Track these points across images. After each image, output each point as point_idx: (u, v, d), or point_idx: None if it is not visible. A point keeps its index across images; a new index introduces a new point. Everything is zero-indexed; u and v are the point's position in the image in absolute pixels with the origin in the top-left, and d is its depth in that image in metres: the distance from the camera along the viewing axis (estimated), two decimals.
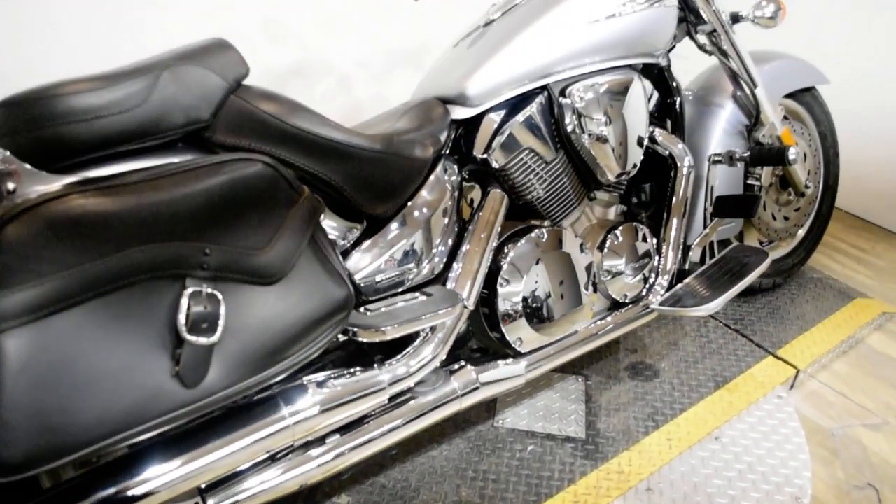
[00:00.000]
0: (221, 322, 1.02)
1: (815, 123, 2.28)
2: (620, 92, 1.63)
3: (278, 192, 1.11)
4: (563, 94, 1.58)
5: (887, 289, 2.48)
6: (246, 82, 1.20)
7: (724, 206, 1.78)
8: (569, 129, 1.58)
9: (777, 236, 2.21)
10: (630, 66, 1.69)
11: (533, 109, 1.56)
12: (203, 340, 1.01)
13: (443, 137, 1.49)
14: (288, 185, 1.12)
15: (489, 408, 1.85)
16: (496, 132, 1.54)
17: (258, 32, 2.87)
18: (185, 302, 0.99)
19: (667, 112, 1.87)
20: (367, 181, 1.33)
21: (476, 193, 1.59)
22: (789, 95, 2.19)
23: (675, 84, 1.85)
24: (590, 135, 1.59)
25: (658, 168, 1.85)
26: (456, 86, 1.54)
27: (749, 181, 2.03)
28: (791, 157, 1.73)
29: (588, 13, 1.57)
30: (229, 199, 1.05)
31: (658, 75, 1.86)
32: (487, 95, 1.53)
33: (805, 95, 2.24)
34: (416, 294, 1.40)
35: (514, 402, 1.87)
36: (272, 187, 1.10)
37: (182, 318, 0.99)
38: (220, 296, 1.02)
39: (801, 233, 2.34)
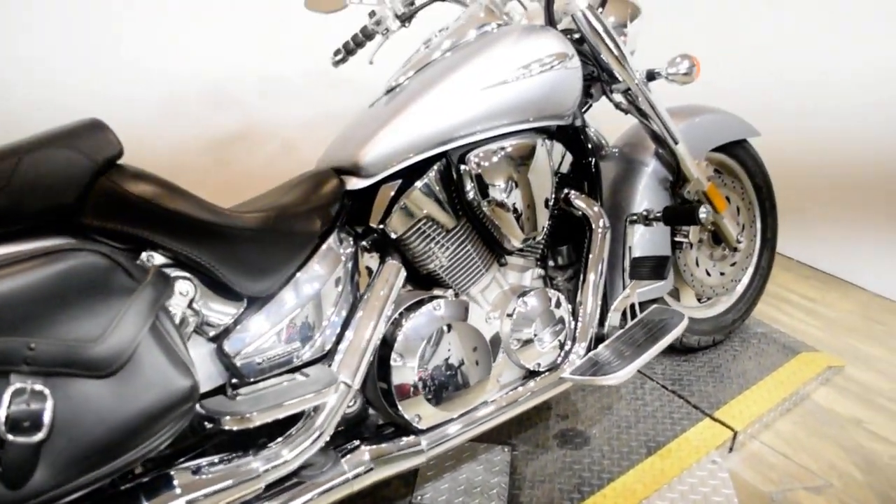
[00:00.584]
0: (47, 419, 0.97)
1: (748, 176, 2.26)
2: (523, 156, 1.60)
3: (114, 281, 1.06)
4: (462, 160, 1.55)
5: (837, 341, 2.43)
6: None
7: (639, 269, 1.74)
8: (469, 196, 1.55)
9: (713, 293, 2.16)
10: (536, 130, 1.66)
11: (431, 177, 1.53)
12: (25, 440, 0.95)
13: (333, 210, 1.46)
14: (126, 273, 1.08)
15: (408, 482, 1.78)
16: (392, 201, 1.51)
17: (199, 97, 2.87)
18: (5, 400, 0.94)
19: (584, 173, 1.83)
20: (241, 261, 1.29)
21: (375, 264, 1.55)
22: (721, 149, 2.17)
23: (590, 145, 1.83)
24: (490, 201, 1.55)
25: (575, 230, 1.81)
26: (351, 156, 1.51)
27: (677, 238, 1.99)
28: (702, 216, 1.69)
29: (482, 80, 1.55)
30: (58, 290, 1.01)
31: (574, 136, 1.83)
32: (382, 165, 1.50)
33: (736, 148, 2.21)
34: (295, 375, 1.35)
35: (436, 475, 1.80)
36: (107, 277, 1.06)
37: (1, 418, 0.94)
38: (47, 392, 0.97)
39: (740, 288, 2.29)
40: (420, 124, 1.51)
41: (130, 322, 1.04)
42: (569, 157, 1.83)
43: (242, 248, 1.29)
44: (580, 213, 1.75)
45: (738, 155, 2.22)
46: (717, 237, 2.10)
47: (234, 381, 1.36)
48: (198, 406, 1.23)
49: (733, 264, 2.17)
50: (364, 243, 1.55)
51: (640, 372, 2.15)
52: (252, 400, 1.27)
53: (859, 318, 2.55)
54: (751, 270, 2.30)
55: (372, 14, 1.96)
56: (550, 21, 1.75)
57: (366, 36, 1.99)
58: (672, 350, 2.19)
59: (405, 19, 1.96)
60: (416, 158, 1.52)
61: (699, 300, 2.23)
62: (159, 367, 1.06)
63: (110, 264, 1.06)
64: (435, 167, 1.54)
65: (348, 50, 2.02)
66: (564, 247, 1.82)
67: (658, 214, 1.77)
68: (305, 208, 1.42)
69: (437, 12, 1.97)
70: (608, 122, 2.02)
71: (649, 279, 1.73)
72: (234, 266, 1.29)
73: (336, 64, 2.04)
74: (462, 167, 1.54)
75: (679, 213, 1.71)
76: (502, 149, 1.57)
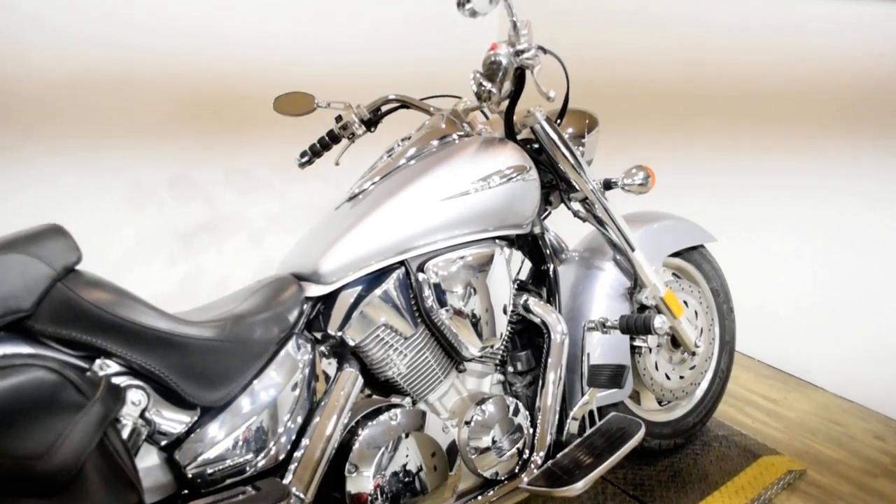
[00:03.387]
0: None
1: (705, 280, 2.30)
2: (481, 264, 1.63)
3: (62, 397, 1.06)
4: (420, 269, 1.57)
5: (797, 442, 2.44)
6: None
7: (597, 377, 1.75)
8: (427, 304, 1.57)
9: (673, 396, 2.17)
10: (494, 238, 1.70)
11: (389, 285, 1.55)
12: None
13: (292, 317, 1.47)
14: (75, 389, 1.07)
15: None
16: (351, 308, 1.52)
17: (164, 189, 2.90)
18: None
19: (542, 279, 1.87)
20: (194, 370, 1.29)
21: (333, 371, 1.55)
22: (678, 254, 2.22)
23: (548, 252, 1.87)
24: (447, 309, 1.57)
25: (535, 336, 1.83)
26: (311, 262, 1.53)
27: (636, 343, 2.01)
28: (657, 325, 1.72)
29: (442, 191, 1.59)
30: (4, 406, 1.00)
31: (533, 243, 1.87)
32: (342, 272, 1.52)
33: (693, 254, 2.27)
34: (246, 488, 1.33)
35: None
36: (54, 393, 1.05)
37: None
38: None
39: (700, 392, 2.30)
40: (380, 233, 1.55)
41: (77, 440, 1.03)
42: (528, 264, 1.86)
43: (197, 357, 1.29)
44: (539, 319, 1.77)
45: (695, 260, 2.27)
46: (676, 341, 2.13)
47: (184, 492, 1.33)
48: None
49: (692, 368, 2.20)
50: (322, 349, 1.55)
51: (602, 477, 2.13)
52: None
53: (819, 420, 2.57)
54: (710, 374, 2.32)
55: (339, 119, 2.01)
56: (510, 131, 1.82)
57: (332, 139, 2.04)
58: (633, 454, 2.16)
59: (370, 125, 2.02)
60: (375, 266, 1.54)
61: (660, 403, 2.24)
62: (105, 486, 1.05)
63: (59, 380, 1.06)
64: (394, 275, 1.56)
65: (314, 152, 2.06)
66: (524, 353, 1.83)
67: (615, 323, 1.80)
68: (263, 316, 1.42)
69: (403, 118, 2.04)
70: (572, 224, 2.06)
71: (607, 387, 1.74)
72: (188, 376, 1.28)
73: (302, 165, 2.09)
74: (420, 275, 1.57)
75: (635, 323, 1.74)
76: (461, 258, 1.60)
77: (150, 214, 2.89)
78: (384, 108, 2.02)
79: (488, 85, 1.53)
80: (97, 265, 2.77)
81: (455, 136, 1.77)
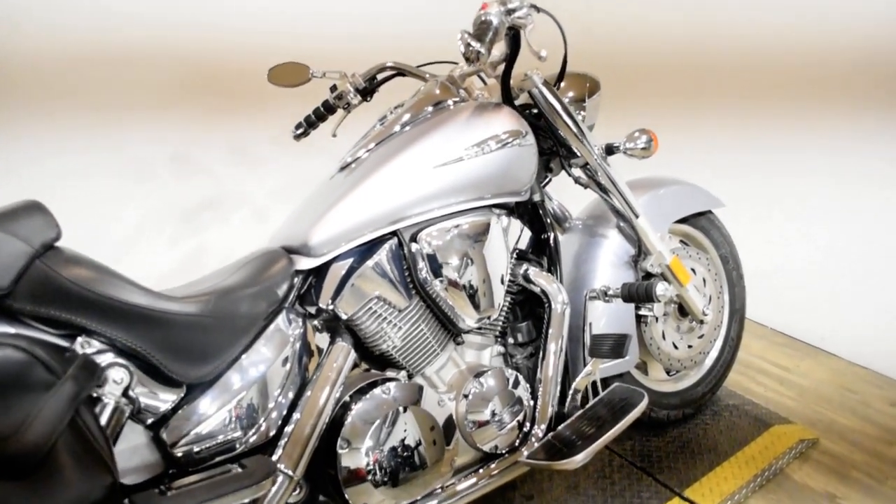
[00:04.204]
0: None
1: (714, 247, 2.24)
2: (477, 233, 1.58)
3: (30, 376, 1.03)
4: (413, 239, 1.53)
5: (810, 411, 2.38)
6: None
7: (598, 347, 1.70)
8: (421, 275, 1.52)
9: (681, 366, 2.12)
10: (491, 206, 1.65)
11: (381, 256, 1.50)
12: None
13: (281, 291, 1.43)
14: (45, 367, 1.04)
15: None
16: (343, 281, 1.48)
17: (165, 165, 2.87)
18: None
19: (543, 248, 1.82)
20: (178, 347, 1.26)
21: (326, 345, 1.51)
22: (685, 221, 2.16)
23: (548, 220, 1.81)
24: (442, 280, 1.53)
25: (536, 306, 1.78)
26: (301, 235, 1.49)
27: (641, 312, 1.96)
28: (659, 292, 1.67)
29: (435, 158, 1.54)
30: None
31: (533, 211, 1.82)
32: (332, 244, 1.48)
33: (701, 220, 2.21)
34: (232, 466, 1.30)
35: None
36: (22, 372, 1.02)
37: None
38: None
39: (709, 361, 2.25)
40: (371, 203, 1.50)
41: (47, 418, 1.00)
42: (528, 233, 1.80)
43: (179, 333, 1.26)
44: (539, 289, 1.72)
45: (702, 226, 2.21)
46: (684, 310, 2.08)
47: (171, 470, 1.31)
48: (126, 501, 1.18)
49: (701, 336, 2.14)
50: (315, 323, 1.52)
51: (609, 448, 2.10)
52: (184, 495, 1.21)
53: (833, 388, 2.51)
54: (719, 342, 2.26)
55: (333, 88, 1.96)
56: (507, 97, 1.76)
57: (327, 110, 1.99)
58: (641, 425, 2.14)
59: (366, 94, 1.97)
60: (366, 237, 1.50)
61: (668, 373, 2.20)
62: (77, 464, 1.02)
63: (27, 359, 1.03)
64: (386, 245, 1.52)
65: (309, 123, 2.02)
66: (524, 323, 1.79)
67: (617, 291, 1.75)
68: (251, 290, 1.39)
69: (400, 86, 1.98)
70: (576, 191, 2.01)
71: (609, 357, 1.69)
72: (171, 352, 1.25)
73: (297, 137, 2.05)
74: (414, 246, 1.52)
75: (637, 291, 1.69)
76: (456, 227, 1.56)
77: (151, 192, 2.86)
78: (380, 77, 1.97)
79: (476, 45, 1.46)
80: (99, 243, 2.75)
81: (450, 101, 1.71)
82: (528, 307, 1.80)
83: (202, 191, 2.97)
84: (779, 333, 2.87)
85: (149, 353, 1.23)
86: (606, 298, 1.78)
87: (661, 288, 1.66)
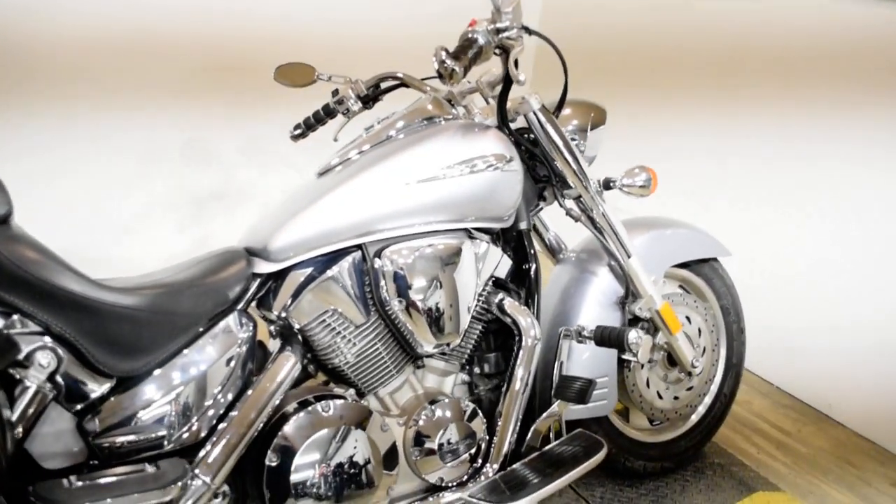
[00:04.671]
0: None
1: (715, 297, 2.14)
2: (447, 256, 1.53)
3: None
4: (378, 255, 1.48)
5: (803, 481, 2.26)
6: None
7: (564, 389, 1.63)
8: (381, 293, 1.47)
9: (664, 417, 2.03)
10: (468, 230, 1.59)
11: (342, 268, 1.46)
12: None
13: (232, 292, 1.40)
14: None
15: None
16: (299, 289, 1.44)
17: (178, 152, 2.88)
18: None
19: (523, 279, 1.75)
20: (107, 337, 1.23)
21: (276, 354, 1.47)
22: (687, 266, 2.07)
23: (531, 251, 1.74)
24: (402, 301, 1.48)
25: (509, 339, 1.72)
26: (264, 238, 1.46)
27: (625, 356, 1.88)
28: (631, 341, 1.59)
29: (409, 173, 1.49)
30: None
31: (518, 239, 1.76)
32: (293, 250, 1.44)
33: (704, 267, 2.11)
34: (146, 466, 1.26)
35: None
36: None
37: None
38: None
39: (696, 416, 2.15)
40: (339, 213, 1.46)
41: None
42: (508, 262, 1.73)
43: (110, 324, 1.23)
44: (511, 321, 1.66)
45: (705, 274, 2.12)
46: (673, 359, 1.98)
47: (93, 461, 1.28)
48: (30, 488, 1.16)
49: (689, 389, 2.05)
50: (271, 329, 1.48)
51: (577, 493, 2.01)
52: (88, 490, 1.19)
53: (833, 459, 2.38)
54: (710, 397, 2.16)
55: (335, 93, 1.94)
56: (503, 120, 1.70)
57: (327, 114, 1.96)
58: (615, 472, 2.05)
59: (367, 101, 1.93)
60: (329, 248, 1.46)
61: (650, 422, 2.10)
62: None
63: None
64: (349, 258, 1.47)
65: (308, 125, 1.99)
66: (494, 354, 1.73)
67: (591, 333, 1.68)
68: (198, 288, 1.36)
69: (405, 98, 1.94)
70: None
71: (573, 401, 1.62)
72: (99, 342, 1.23)
73: (294, 138, 2.02)
74: (377, 262, 1.47)
75: (609, 336, 1.61)
76: (425, 247, 1.51)
77: (162, 177, 2.88)
78: (383, 86, 1.93)
79: (451, 63, 1.39)
80: (106, 224, 2.77)
81: (442, 118, 1.67)
82: (501, 338, 1.74)
83: (213, 180, 2.98)
84: (785, 394, 2.73)
85: (77, 341, 1.20)
86: (580, 339, 1.71)
87: (633, 336, 1.58)
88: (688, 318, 2.01)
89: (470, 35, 1.46)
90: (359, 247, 1.48)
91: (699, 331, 2.05)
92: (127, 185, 2.84)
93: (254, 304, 1.49)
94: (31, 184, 2.60)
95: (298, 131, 2.01)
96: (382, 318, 1.51)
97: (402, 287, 1.48)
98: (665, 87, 3.04)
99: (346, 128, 1.98)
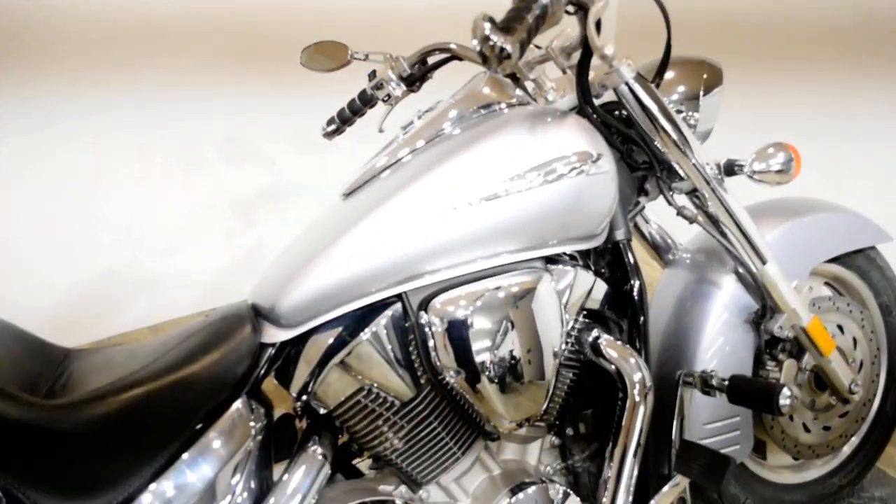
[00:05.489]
0: None
1: (872, 294, 1.67)
2: (519, 298, 1.12)
3: None
4: (424, 307, 1.08)
5: None
6: None
7: (687, 462, 1.21)
8: (432, 358, 1.08)
9: (812, 454, 1.59)
10: (543, 258, 1.18)
11: (378, 329, 1.07)
12: None
13: (234, 374, 1.04)
14: None
15: None
16: (322, 363, 1.07)
17: (218, 152, 2.56)
18: None
19: (624, 304, 1.32)
20: (59, 478, 0.89)
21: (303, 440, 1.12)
22: (835, 259, 1.60)
23: (632, 264, 1.31)
24: (462, 370, 1.08)
25: (610, 387, 1.30)
26: (273, 294, 1.09)
27: (760, 374, 1.45)
28: (783, 403, 1.15)
29: (458, 193, 1.08)
30: None
31: (614, 252, 1.33)
32: (310, 310, 1.06)
33: (857, 258, 1.64)
34: None
35: None
36: None
37: None
38: None
39: (850, 447, 1.69)
40: (368, 254, 1.07)
41: None
42: (603, 287, 1.31)
43: (64, 458, 0.89)
44: (612, 366, 1.24)
45: (858, 266, 1.64)
46: (822, 380, 1.53)
47: None
48: None
49: (843, 416, 1.59)
50: (294, 406, 1.12)
51: None
52: None
53: None
54: (867, 422, 1.70)
55: (372, 76, 1.54)
56: (586, 97, 1.25)
57: (364, 102, 1.58)
58: None
59: (412, 82, 1.53)
60: (358, 303, 1.07)
61: (794, 458, 1.66)
62: None
63: None
64: (386, 314, 1.08)
65: (343, 119, 1.62)
66: (590, 410, 1.32)
67: (722, 383, 1.25)
68: (187, 380, 1.00)
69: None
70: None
71: (698, 481, 1.20)
72: (47, 486, 0.89)
73: (328, 135, 1.65)
74: (424, 317, 1.08)
75: (750, 392, 1.18)
76: (487, 291, 1.10)
77: (205, 178, 2.58)
78: (430, 61, 1.52)
79: (499, 39, 0.91)
80: (152, 237, 2.49)
81: (503, 104, 1.24)
82: (599, 384, 1.32)
83: (261, 179, 2.66)
84: None
85: (15, 489, 0.87)
86: (705, 390, 1.28)
87: (785, 398, 1.15)
88: (839, 328, 1.56)
89: None
90: (398, 297, 1.09)
91: (854, 341, 1.59)
92: (165, 189, 2.56)
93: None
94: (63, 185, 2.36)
95: (332, 127, 1.64)
96: (437, 389, 1.12)
97: (461, 349, 1.08)
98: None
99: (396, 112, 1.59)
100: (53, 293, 2.44)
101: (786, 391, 1.16)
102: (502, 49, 0.90)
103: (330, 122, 1.64)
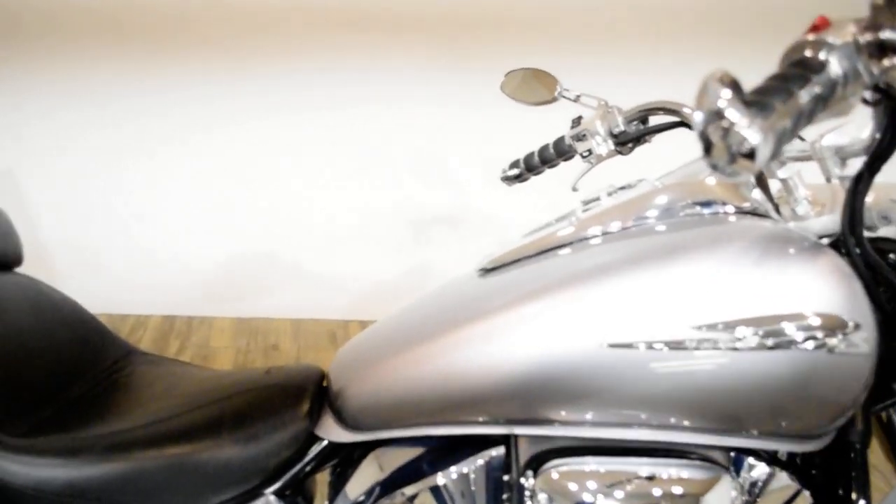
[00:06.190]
0: None
1: None
2: (675, 500, 0.76)
3: None
4: (535, 465, 0.76)
5: None
6: None
7: None
8: None
9: None
10: (728, 450, 0.81)
11: (470, 471, 0.78)
12: None
13: (265, 463, 0.80)
14: None
15: None
16: (386, 486, 0.80)
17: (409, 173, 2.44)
18: None
19: None
20: None
21: None
22: None
23: (862, 475, 0.89)
24: None
25: None
26: (353, 377, 0.83)
27: None
28: None
29: (624, 328, 0.74)
30: None
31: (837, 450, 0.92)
32: (391, 418, 0.80)
33: None
34: None
35: None
36: None
37: None
38: None
39: None
40: (494, 364, 0.77)
41: None
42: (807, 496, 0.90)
43: None
44: None
45: None
46: None
47: None
48: None
49: None
50: None
51: None
52: None
53: None
54: None
55: (576, 122, 1.25)
56: (853, 225, 0.85)
57: (559, 153, 1.31)
58: None
59: (624, 142, 1.22)
60: (449, 430, 0.78)
61: None
62: None
63: None
64: (485, 456, 0.78)
65: (530, 167, 1.36)
66: None
67: None
68: (215, 448, 0.78)
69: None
70: None
71: None
72: None
73: (507, 180, 1.39)
74: (530, 480, 0.76)
75: None
76: (633, 477, 0.75)
77: (392, 189, 2.48)
78: (652, 122, 1.20)
79: (739, 123, 0.52)
80: (321, 243, 2.42)
81: (728, 207, 0.88)
82: None
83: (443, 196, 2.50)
84: None
85: None
86: None
87: None
88: None
89: (810, 53, 0.60)
90: (505, 439, 0.78)
91: None
92: (332, 204, 2.49)
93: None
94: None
95: (514, 172, 1.38)
96: None
97: None
98: None
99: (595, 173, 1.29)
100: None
101: None
102: (743, 141, 0.54)
103: (514, 165, 1.37)
